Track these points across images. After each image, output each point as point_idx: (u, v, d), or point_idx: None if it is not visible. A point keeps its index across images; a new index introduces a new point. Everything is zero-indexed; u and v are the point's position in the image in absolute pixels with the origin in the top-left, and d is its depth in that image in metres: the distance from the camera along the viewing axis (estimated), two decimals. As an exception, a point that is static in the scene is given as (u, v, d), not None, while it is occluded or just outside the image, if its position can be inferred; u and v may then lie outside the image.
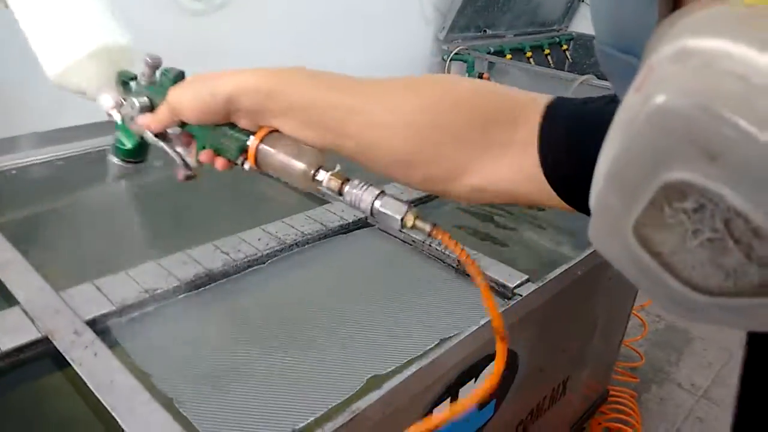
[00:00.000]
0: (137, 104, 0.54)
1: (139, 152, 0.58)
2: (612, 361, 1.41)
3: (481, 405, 0.82)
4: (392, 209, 0.43)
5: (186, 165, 0.53)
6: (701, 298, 0.24)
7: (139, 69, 0.56)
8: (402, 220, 0.42)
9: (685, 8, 0.22)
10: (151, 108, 0.54)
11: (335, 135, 0.47)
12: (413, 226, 0.43)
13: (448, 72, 2.36)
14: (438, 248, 0.89)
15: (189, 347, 0.68)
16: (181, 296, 0.76)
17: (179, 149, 0.53)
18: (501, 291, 0.82)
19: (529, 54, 2.65)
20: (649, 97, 0.21)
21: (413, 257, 0.90)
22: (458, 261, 0.86)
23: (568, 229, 1.08)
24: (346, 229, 0.95)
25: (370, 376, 0.65)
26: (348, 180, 0.45)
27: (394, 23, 2.17)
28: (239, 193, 1.13)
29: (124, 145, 0.57)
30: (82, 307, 0.69)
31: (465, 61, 2.30)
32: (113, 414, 0.54)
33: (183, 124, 0.52)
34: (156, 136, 0.53)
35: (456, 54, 2.29)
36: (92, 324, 0.67)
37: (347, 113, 0.46)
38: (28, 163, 1.06)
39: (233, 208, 1.07)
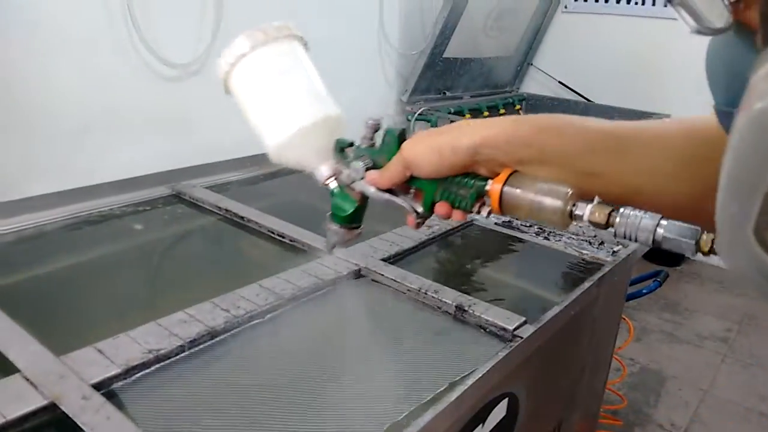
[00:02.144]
0: (362, 165, 0.56)
1: (357, 217, 0.60)
2: (599, 404, 1.43)
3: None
4: (682, 234, 0.40)
5: (416, 212, 0.54)
6: None
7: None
8: (697, 243, 0.39)
9: None
10: (374, 168, 0.56)
11: (604, 182, 0.46)
12: (710, 250, 0.39)
13: (413, 132, 2.45)
14: (434, 296, 0.91)
15: (198, 406, 0.67)
16: (185, 354, 0.74)
17: (406, 199, 0.55)
18: (500, 334, 0.83)
19: (486, 114, 2.79)
20: (750, 107, 0.25)
21: (409, 305, 0.92)
22: (456, 308, 0.88)
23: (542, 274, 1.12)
24: (341, 280, 0.96)
25: (389, 424, 0.64)
26: (615, 209, 0.42)
27: (360, 86, 2.26)
28: (220, 252, 1.13)
29: (344, 211, 0.59)
30: (87, 371, 0.67)
31: (428, 121, 2.39)
32: (135, 477, 0.53)
33: (410, 180, 0.53)
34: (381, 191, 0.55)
35: (420, 114, 2.38)
36: (98, 387, 0.65)
37: (612, 158, 0.46)
38: (8, 231, 1.04)
39: (218, 268, 1.06)
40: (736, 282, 2.63)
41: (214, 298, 0.85)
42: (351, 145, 0.59)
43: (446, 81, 2.65)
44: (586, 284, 0.96)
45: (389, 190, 0.55)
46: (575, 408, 1.21)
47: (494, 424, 0.84)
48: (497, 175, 0.48)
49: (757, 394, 1.99)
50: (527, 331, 0.82)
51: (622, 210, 0.42)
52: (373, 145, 0.57)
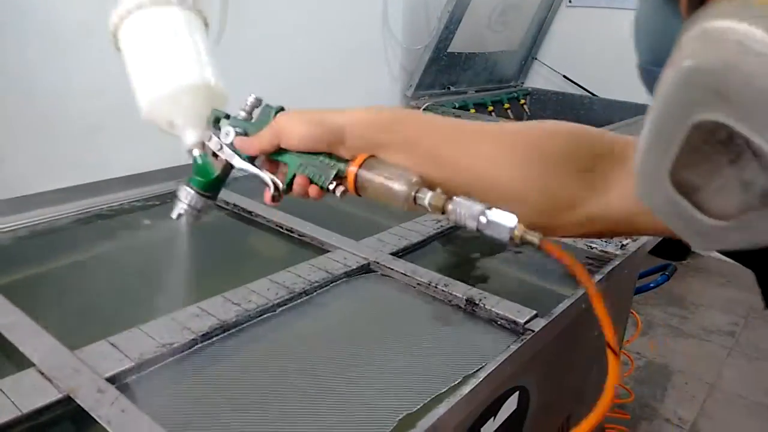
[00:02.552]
0: (233, 132, 0.58)
1: (214, 186, 0.62)
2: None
3: (501, 443, 0.82)
4: (503, 219, 0.45)
5: (276, 188, 0.56)
6: (721, 224, 0.31)
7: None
8: (512, 230, 0.45)
9: (702, 9, 0.29)
10: (245, 136, 0.58)
11: (449, 169, 0.51)
12: (521, 237, 0.45)
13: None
14: (444, 290, 0.91)
15: (213, 400, 0.67)
16: (198, 348, 0.74)
17: (268, 174, 0.57)
18: (512, 327, 0.83)
19: (490, 108, 2.78)
20: (678, 65, 0.28)
21: (420, 299, 0.92)
22: (466, 301, 0.88)
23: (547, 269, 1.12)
24: (350, 275, 0.96)
25: (402, 415, 0.65)
26: (450, 198, 0.47)
27: (365, 81, 2.25)
28: (229, 247, 1.13)
29: (206, 177, 0.61)
30: (101, 365, 0.67)
31: (433, 116, 2.39)
32: (153, 469, 0.53)
33: (275, 153, 0.56)
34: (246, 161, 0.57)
35: (425, 109, 2.37)
36: (113, 381, 0.66)
37: (461, 148, 0.51)
38: (21, 226, 1.05)
39: (227, 263, 1.06)
40: (742, 276, 2.62)
41: (225, 292, 0.85)
42: (227, 117, 0.60)
43: (451, 76, 2.64)
44: (596, 278, 0.96)
45: (253, 163, 0.58)
46: (584, 401, 1.21)
47: (506, 416, 0.84)
48: (358, 156, 0.52)
49: (763, 387, 1.99)
50: (538, 324, 0.82)
51: (455, 198, 0.47)
52: (250, 119, 0.59)
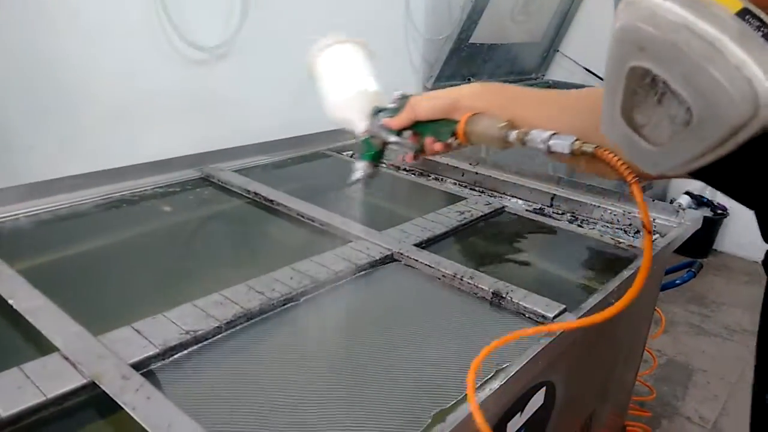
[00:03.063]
0: (382, 116, 0.85)
1: (378, 157, 0.89)
2: (629, 396, 1.41)
3: (528, 439, 0.80)
4: (564, 138, 0.63)
5: (414, 150, 0.82)
6: (658, 148, 0.43)
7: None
8: (572, 144, 0.62)
9: None
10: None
11: (523, 123, 0.71)
12: (580, 149, 0.62)
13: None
14: (470, 282, 0.89)
15: (238, 387, 0.66)
16: (222, 336, 0.73)
17: (408, 143, 0.82)
18: (540, 321, 0.81)
19: (512, 100, 2.73)
20: (613, 26, 0.41)
21: (444, 291, 0.90)
22: (493, 294, 0.86)
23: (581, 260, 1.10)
24: (374, 265, 0.95)
25: (436, 411, 0.63)
26: (526, 132, 0.68)
27: (386, 71, 2.22)
28: (250, 235, 1.12)
29: (369, 152, 0.88)
30: (125, 351, 0.66)
31: (454, 107, 2.36)
32: (178, 458, 0.52)
33: (413, 126, 0.81)
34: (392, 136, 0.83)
35: (445, 100, 2.34)
36: (137, 367, 0.65)
37: (530, 112, 0.72)
38: (44, 210, 1.04)
39: (249, 251, 1.05)
40: (763, 274, 2.58)
41: (248, 280, 0.84)
42: (382, 110, 0.86)
43: (471, 67, 2.61)
44: (626, 273, 0.93)
45: (399, 136, 0.83)
46: (607, 398, 1.19)
47: (532, 412, 0.83)
48: (464, 116, 0.75)
49: (787, 389, 1.94)
50: (567, 319, 0.80)
51: (530, 131, 0.68)
52: (395, 106, 0.84)
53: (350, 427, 0.61)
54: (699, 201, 3.01)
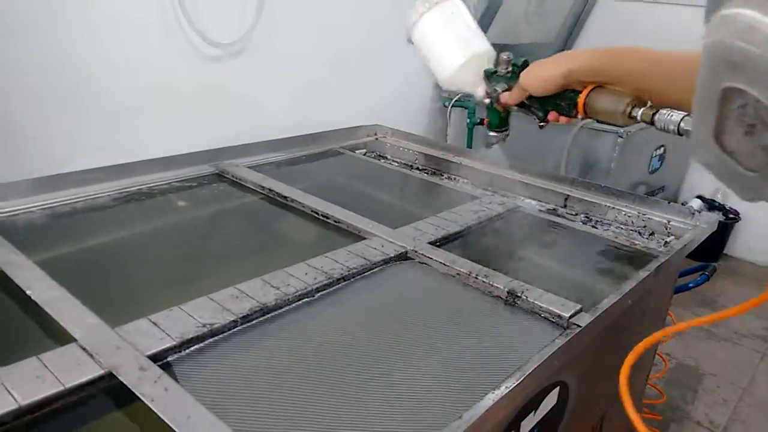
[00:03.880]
0: (499, 90, 0.86)
1: (503, 123, 0.93)
2: (640, 399, 1.40)
3: (542, 439, 0.80)
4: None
5: (540, 119, 0.83)
6: (755, 176, 0.39)
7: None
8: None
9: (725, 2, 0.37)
10: (508, 88, 0.86)
11: (654, 98, 0.68)
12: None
13: (449, 118, 2.42)
14: (484, 281, 0.89)
15: (254, 381, 0.66)
16: (238, 329, 0.74)
17: (530, 111, 0.84)
18: (555, 321, 0.81)
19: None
20: (703, 41, 0.37)
21: (458, 288, 0.90)
22: (508, 293, 0.85)
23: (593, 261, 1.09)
24: (388, 262, 0.94)
25: (460, 415, 0.62)
26: (657, 111, 0.65)
27: (399, 71, 2.22)
28: (265, 231, 1.12)
29: (494, 119, 0.91)
30: (142, 343, 0.67)
31: (465, 108, 2.35)
32: (197, 449, 0.52)
33: (530, 98, 0.81)
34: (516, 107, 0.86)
35: (457, 100, 2.34)
36: (154, 359, 0.65)
37: (663, 82, 0.68)
38: (60, 203, 1.05)
39: (263, 246, 1.05)
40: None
41: (263, 275, 0.84)
42: (495, 73, 0.88)
43: (483, 67, 2.61)
44: (642, 274, 0.93)
45: (522, 106, 0.85)
46: (618, 401, 1.18)
47: (546, 411, 0.82)
48: (585, 88, 0.73)
49: (798, 395, 1.93)
50: (584, 319, 0.80)
51: (660, 110, 0.65)
52: (507, 71, 0.86)
53: (365, 421, 0.61)
54: (711, 205, 2.99)
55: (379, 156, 1.60)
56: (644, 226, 1.20)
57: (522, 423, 0.77)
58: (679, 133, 0.63)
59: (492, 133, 0.94)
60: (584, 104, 0.72)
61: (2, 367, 0.61)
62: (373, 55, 2.09)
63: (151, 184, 1.19)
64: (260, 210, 1.18)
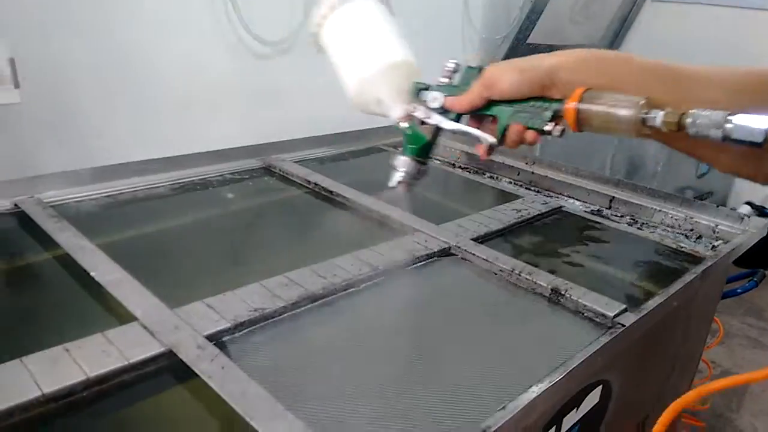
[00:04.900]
0: (441, 97, 0.62)
1: (426, 151, 0.66)
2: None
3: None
4: (752, 121, 0.40)
5: (488, 141, 0.59)
6: None
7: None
8: (766, 130, 0.40)
9: None
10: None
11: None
12: None
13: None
14: (528, 278, 0.89)
15: (303, 365, 0.69)
16: (287, 315, 0.76)
17: (477, 130, 0.60)
18: (599, 320, 0.81)
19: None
20: None
21: (503, 285, 0.91)
22: (551, 290, 0.86)
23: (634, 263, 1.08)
24: (431, 257, 0.96)
25: (503, 405, 0.63)
26: (685, 112, 0.45)
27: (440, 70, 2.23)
28: (311, 223, 1.15)
29: (415, 145, 0.66)
30: (199, 323, 0.70)
31: (508, 107, 2.34)
32: (252, 424, 0.55)
33: (483, 108, 0.58)
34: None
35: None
36: (210, 339, 0.68)
37: (681, 93, 0.49)
38: (119, 192, 1.10)
39: (310, 238, 1.08)
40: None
41: (311, 265, 0.87)
42: (427, 88, 0.65)
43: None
44: (689, 277, 0.92)
45: (459, 122, 0.61)
46: (661, 404, 1.17)
47: (587, 409, 0.82)
48: (574, 92, 0.51)
49: None
50: (629, 318, 0.80)
51: (691, 111, 0.45)
52: (451, 84, 0.63)
53: (410, 408, 0.63)
54: (761, 211, 2.90)
55: (422, 154, 1.62)
56: (691, 230, 1.18)
57: (564, 419, 0.77)
58: (724, 135, 0.43)
59: (408, 160, 0.66)
60: (576, 109, 0.50)
61: (71, 342, 0.65)
62: (414, 51, 2.10)
63: (204, 176, 1.23)
64: (306, 203, 1.21)
